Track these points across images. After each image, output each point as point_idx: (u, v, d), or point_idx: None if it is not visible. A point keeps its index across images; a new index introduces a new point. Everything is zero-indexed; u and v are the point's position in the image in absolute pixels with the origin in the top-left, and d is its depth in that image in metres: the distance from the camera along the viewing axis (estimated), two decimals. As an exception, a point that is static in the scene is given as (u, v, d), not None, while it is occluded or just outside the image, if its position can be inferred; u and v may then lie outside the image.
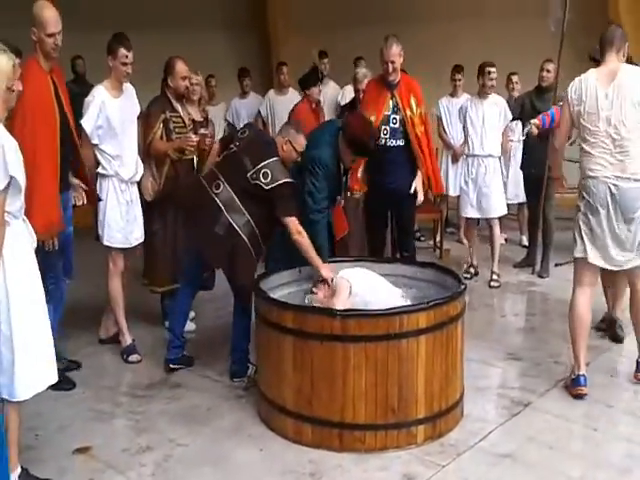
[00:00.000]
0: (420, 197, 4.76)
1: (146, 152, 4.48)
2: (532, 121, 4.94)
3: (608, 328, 4.51)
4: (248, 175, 3.70)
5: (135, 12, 8.73)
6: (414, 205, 4.83)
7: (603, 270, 3.83)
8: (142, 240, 4.44)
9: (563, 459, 3.09)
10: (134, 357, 4.28)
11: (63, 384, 3.59)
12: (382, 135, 4.62)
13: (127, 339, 4.37)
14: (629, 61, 6.03)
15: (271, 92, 7.35)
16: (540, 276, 5.80)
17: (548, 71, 5.84)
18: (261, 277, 3.70)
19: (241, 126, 4.89)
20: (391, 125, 4.65)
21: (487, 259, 6.04)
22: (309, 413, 3.19)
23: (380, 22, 9.09)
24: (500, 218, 5.83)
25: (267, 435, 3.31)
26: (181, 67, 4.52)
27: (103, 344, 4.53)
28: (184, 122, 4.58)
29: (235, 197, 3.73)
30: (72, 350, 4.43)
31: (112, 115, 4.09)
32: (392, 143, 4.64)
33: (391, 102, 4.66)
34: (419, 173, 4.73)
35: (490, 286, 5.63)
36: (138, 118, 4.43)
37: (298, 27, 10.12)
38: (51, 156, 3.55)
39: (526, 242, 6.57)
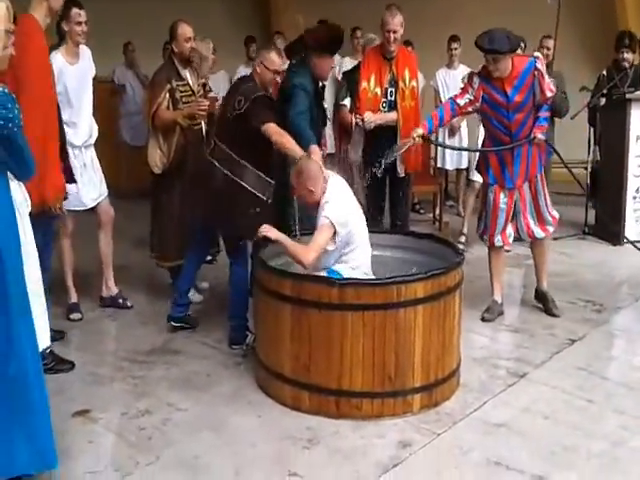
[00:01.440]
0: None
1: (152, 123, 4.43)
2: (415, 135, 4.10)
3: (542, 303, 4.50)
4: (229, 115, 3.75)
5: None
6: (409, 177, 4.86)
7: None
8: (102, 199, 4.42)
9: (558, 429, 3.12)
10: (75, 315, 4.35)
11: (60, 365, 3.63)
12: (381, 108, 4.64)
13: (72, 297, 4.43)
14: (630, 36, 6.02)
15: (241, 66, 7.29)
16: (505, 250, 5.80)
17: (548, 48, 5.78)
18: (259, 245, 3.70)
19: None
20: (389, 98, 4.65)
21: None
22: (307, 380, 3.22)
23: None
24: None
25: (265, 402, 3.35)
26: (185, 29, 4.45)
27: (104, 306, 4.57)
28: (192, 89, 4.51)
29: (228, 150, 3.76)
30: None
31: (69, 83, 4.06)
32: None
33: (389, 75, 4.64)
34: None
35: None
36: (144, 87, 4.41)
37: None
38: (54, 124, 3.56)
39: None
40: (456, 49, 6.71)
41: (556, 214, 4.36)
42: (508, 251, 5.47)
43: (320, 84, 4.35)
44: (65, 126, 4.01)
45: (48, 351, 3.42)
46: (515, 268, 5.56)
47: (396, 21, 4.50)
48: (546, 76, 4.03)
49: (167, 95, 4.40)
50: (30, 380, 2.52)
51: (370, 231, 3.95)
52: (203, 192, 3.88)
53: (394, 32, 4.50)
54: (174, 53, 4.50)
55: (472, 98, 4.08)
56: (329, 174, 3.56)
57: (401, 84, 4.62)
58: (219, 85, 7.28)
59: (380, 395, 3.19)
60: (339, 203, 3.44)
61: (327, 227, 3.39)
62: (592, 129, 6.27)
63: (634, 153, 6.00)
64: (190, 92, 4.51)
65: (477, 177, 5.44)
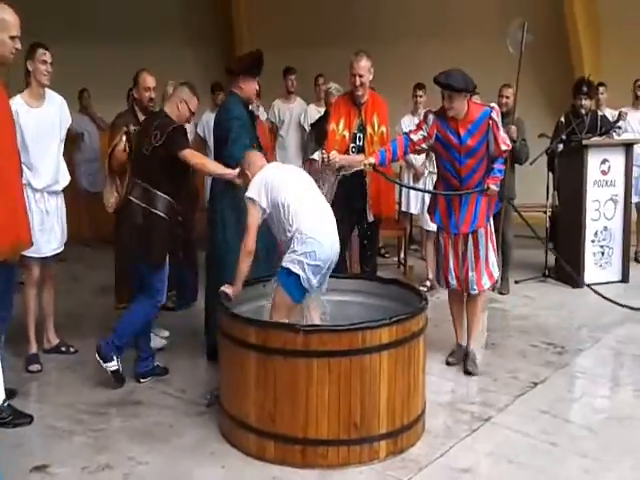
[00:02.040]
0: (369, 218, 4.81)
1: (108, 163, 4.46)
2: (367, 161, 4.16)
3: (464, 361, 4.31)
4: (145, 151, 3.96)
5: (102, 26, 8.73)
6: (378, 223, 4.93)
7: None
8: (59, 251, 4.39)
9: (522, 474, 3.13)
10: (34, 367, 4.25)
11: (18, 419, 3.53)
12: (351, 152, 4.69)
13: (32, 348, 4.34)
14: (588, 83, 6.27)
15: (207, 112, 7.33)
16: (500, 293, 5.91)
17: (507, 97, 5.98)
18: (222, 296, 3.67)
19: None
20: (357, 143, 4.71)
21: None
22: (272, 429, 3.19)
23: (345, 41, 9.24)
24: None
25: (229, 452, 3.29)
26: (145, 78, 4.55)
27: (48, 354, 4.49)
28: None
29: (146, 185, 3.96)
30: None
31: (25, 125, 4.05)
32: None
33: (358, 120, 4.70)
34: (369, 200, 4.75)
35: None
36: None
37: (264, 43, 10.19)
38: (15, 169, 3.44)
39: None
40: (421, 96, 6.91)
41: (495, 272, 4.32)
42: (502, 293, 5.57)
43: (250, 107, 4.57)
44: (25, 168, 3.99)
45: (6, 404, 3.33)
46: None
47: (361, 65, 4.57)
48: (501, 129, 4.10)
49: (124, 138, 4.42)
50: None
51: (334, 276, 3.99)
52: (127, 231, 4.05)
53: (360, 76, 4.56)
54: (135, 100, 4.61)
55: (426, 135, 4.13)
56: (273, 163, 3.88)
57: (369, 129, 4.68)
58: (189, 130, 7.33)
59: (346, 443, 3.17)
60: (256, 178, 3.58)
61: (250, 205, 3.52)
62: (551, 174, 6.47)
63: (591, 198, 6.18)
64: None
65: (431, 227, 5.52)
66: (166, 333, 4.85)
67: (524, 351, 4.58)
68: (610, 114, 6.81)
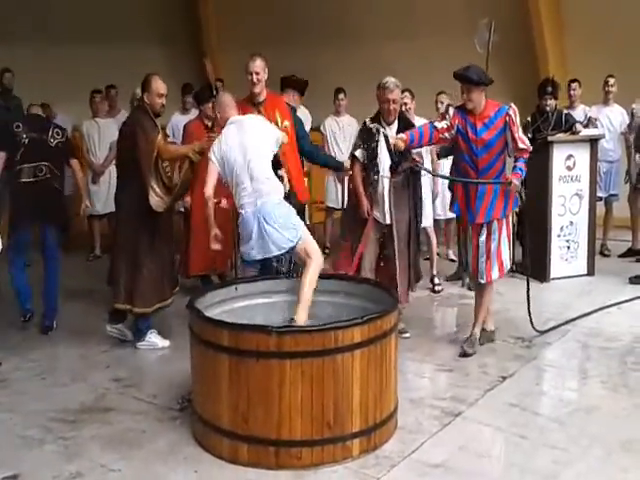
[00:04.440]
0: None
1: (147, 168, 4.43)
2: (399, 135, 4.39)
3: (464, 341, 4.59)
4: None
5: (74, 26, 8.60)
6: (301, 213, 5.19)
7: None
8: None
9: (493, 467, 3.19)
10: None
11: None
12: None
13: None
14: (553, 84, 6.38)
15: (176, 113, 7.33)
16: (470, 289, 5.97)
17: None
18: (196, 296, 3.67)
19: None
20: None
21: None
22: (245, 432, 3.18)
23: (313, 40, 9.28)
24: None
25: (202, 456, 3.28)
26: (158, 85, 4.56)
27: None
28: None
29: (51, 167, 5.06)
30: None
31: None
32: None
33: None
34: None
35: (435, 291, 5.93)
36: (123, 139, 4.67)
37: (233, 42, 10.16)
38: None
39: (453, 256, 6.78)
40: (342, 100, 7.17)
41: (506, 266, 4.53)
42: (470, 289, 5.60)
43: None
44: None
45: None
46: (449, 308, 5.70)
47: (257, 64, 4.83)
48: (519, 128, 4.30)
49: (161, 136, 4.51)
50: None
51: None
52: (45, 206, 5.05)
53: (256, 74, 4.82)
54: (145, 103, 4.57)
55: (448, 124, 4.36)
56: (235, 119, 4.15)
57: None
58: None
59: (320, 442, 3.18)
60: (219, 140, 4.06)
61: (210, 162, 4.03)
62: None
63: (557, 193, 6.28)
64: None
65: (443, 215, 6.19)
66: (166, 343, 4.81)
67: (494, 346, 4.64)
68: (583, 111, 6.93)
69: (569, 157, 6.31)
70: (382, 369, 3.35)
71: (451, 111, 4.38)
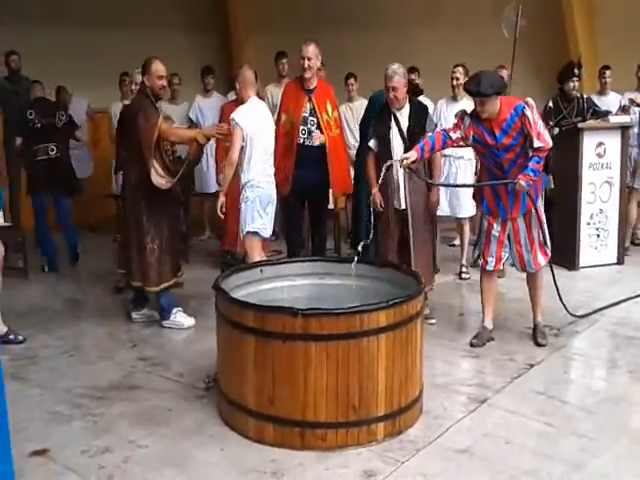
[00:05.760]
0: (331, 198, 5.37)
1: (149, 150, 4.47)
2: (407, 155, 4.19)
3: (533, 333, 4.52)
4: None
5: (97, 11, 8.63)
6: (327, 198, 5.47)
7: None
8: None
9: (518, 454, 3.16)
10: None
11: None
12: (300, 135, 5.12)
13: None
14: (579, 65, 6.26)
15: (198, 96, 7.42)
16: (497, 276, 5.92)
17: (501, 77, 5.96)
18: (222, 277, 3.69)
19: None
20: (309, 126, 5.13)
21: (447, 258, 6.21)
22: (270, 412, 3.20)
23: (342, 27, 9.20)
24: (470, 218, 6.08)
25: (228, 435, 3.31)
26: (157, 67, 4.56)
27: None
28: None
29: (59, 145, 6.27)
30: (28, 352, 4.36)
31: None
32: (310, 143, 5.16)
33: (308, 105, 5.10)
34: (332, 178, 5.22)
35: (461, 278, 5.92)
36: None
37: (259, 27, 10.13)
38: None
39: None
40: (352, 85, 7.13)
41: (549, 249, 4.45)
42: (499, 276, 5.49)
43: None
44: None
45: None
46: (475, 294, 5.65)
47: (310, 49, 4.94)
48: (537, 124, 4.05)
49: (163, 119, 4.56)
50: None
51: (331, 260, 3.99)
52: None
53: (308, 59, 4.94)
54: (146, 87, 4.58)
55: (462, 136, 4.23)
56: (255, 99, 4.72)
57: (325, 116, 5.12)
58: (181, 116, 7.31)
59: (344, 425, 3.19)
60: (245, 110, 4.62)
61: (237, 129, 4.52)
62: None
63: (587, 180, 6.19)
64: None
65: (465, 214, 5.98)
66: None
67: (520, 333, 4.60)
68: (616, 97, 6.80)
69: (599, 144, 6.20)
70: (407, 353, 3.34)
71: (467, 122, 4.20)
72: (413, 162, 4.16)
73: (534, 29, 6.31)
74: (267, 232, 4.78)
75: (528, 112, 4.06)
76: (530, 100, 4.17)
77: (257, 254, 4.70)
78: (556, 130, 6.26)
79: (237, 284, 3.72)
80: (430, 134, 4.38)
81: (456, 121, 4.31)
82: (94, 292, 5.45)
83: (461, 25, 8.52)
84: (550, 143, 4.14)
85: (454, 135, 4.25)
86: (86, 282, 5.87)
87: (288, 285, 3.96)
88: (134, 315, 4.87)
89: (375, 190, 4.56)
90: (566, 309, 4.68)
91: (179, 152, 5.57)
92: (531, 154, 4.14)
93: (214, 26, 10.54)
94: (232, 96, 6.78)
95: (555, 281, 4.54)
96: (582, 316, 4.81)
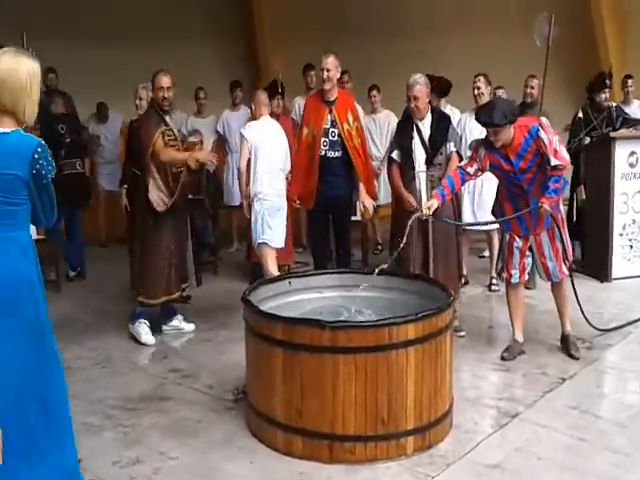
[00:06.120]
0: (369, 207, 5.24)
1: (150, 162, 4.54)
2: (429, 203, 4.16)
3: (562, 345, 4.49)
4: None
5: (123, 26, 8.79)
6: (351, 208, 5.45)
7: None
8: None
9: (551, 469, 3.11)
10: None
11: None
12: (322, 147, 5.10)
13: None
14: (610, 75, 6.20)
15: (226, 110, 7.50)
16: (527, 287, 5.82)
17: (532, 87, 5.93)
18: (250, 289, 3.71)
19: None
20: (330, 138, 5.10)
21: (477, 270, 6.15)
22: (299, 425, 3.20)
23: (368, 36, 9.24)
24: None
25: (257, 447, 3.32)
26: (159, 78, 4.62)
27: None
28: (175, 135, 4.69)
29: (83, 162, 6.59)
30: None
31: None
32: (331, 154, 5.11)
33: (329, 117, 5.09)
34: (362, 187, 5.18)
35: (491, 290, 5.86)
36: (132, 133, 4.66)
37: (285, 38, 10.20)
38: None
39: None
40: (375, 97, 7.14)
41: (570, 254, 4.41)
42: (529, 288, 5.39)
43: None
44: None
45: None
46: (505, 306, 5.59)
47: (329, 61, 4.97)
48: (552, 142, 3.99)
49: (160, 135, 4.55)
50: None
51: (360, 272, 3.99)
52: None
53: (327, 70, 4.96)
54: (153, 100, 4.69)
55: (479, 167, 4.22)
56: (267, 118, 5.08)
57: (346, 126, 5.08)
58: (209, 130, 7.40)
59: (373, 439, 3.17)
60: (254, 125, 4.98)
61: (243, 140, 4.92)
62: (573, 168, 6.38)
63: (619, 191, 6.09)
64: (174, 137, 4.68)
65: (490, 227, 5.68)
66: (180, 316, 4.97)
67: (552, 346, 4.54)
68: (639, 106, 6.71)
69: (632, 154, 6.10)
70: (437, 366, 3.31)
71: (482, 152, 4.16)
72: (436, 209, 4.13)
73: (564, 39, 6.26)
74: (277, 242, 4.95)
75: (542, 134, 4.01)
76: (544, 120, 4.14)
77: (271, 263, 4.88)
78: (587, 140, 6.19)
79: (265, 296, 3.74)
80: (448, 176, 4.37)
81: (470, 154, 4.30)
82: (124, 304, 5.51)
83: (490, 35, 8.50)
84: (568, 160, 4.11)
85: (471, 169, 4.23)
86: (115, 294, 5.94)
87: (316, 297, 3.97)
88: (164, 327, 4.93)
89: (403, 190, 4.63)
90: (587, 320, 4.59)
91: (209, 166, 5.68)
92: (549, 173, 4.08)
93: (241, 39, 10.66)
94: (243, 110, 6.88)
95: (576, 292, 4.46)
96: (606, 330, 4.70)
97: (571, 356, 4.34)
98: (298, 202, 5.31)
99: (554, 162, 4.01)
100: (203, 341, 4.80)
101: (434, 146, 4.63)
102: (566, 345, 4.43)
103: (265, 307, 3.53)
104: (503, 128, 3.98)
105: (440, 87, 5.61)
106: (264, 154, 4.88)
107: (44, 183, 2.57)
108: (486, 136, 4.17)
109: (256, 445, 3.33)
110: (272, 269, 4.85)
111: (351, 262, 5.48)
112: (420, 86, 4.60)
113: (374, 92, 7.17)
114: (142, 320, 4.79)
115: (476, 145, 4.27)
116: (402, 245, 4.19)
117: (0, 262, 2.52)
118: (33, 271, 2.61)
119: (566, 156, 4.08)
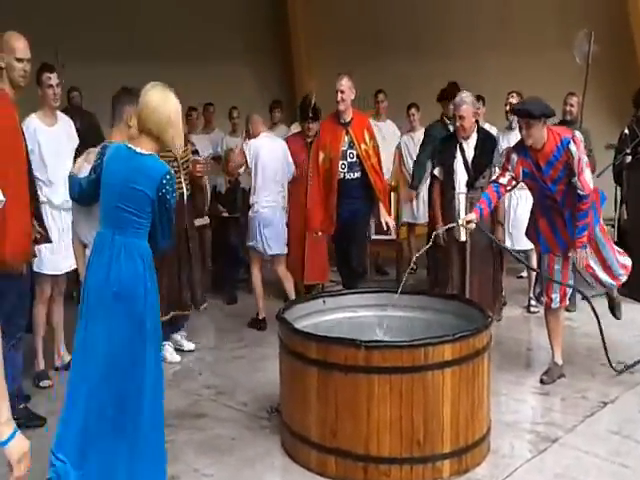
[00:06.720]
0: (391, 224, 5.28)
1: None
2: (468, 217, 4.08)
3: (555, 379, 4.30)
4: None
5: (158, 46, 8.93)
6: (366, 226, 5.48)
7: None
8: (75, 267, 4.24)
9: (592, 497, 3.02)
10: (45, 383, 4.30)
11: (33, 421, 3.59)
12: (340, 169, 5.11)
13: (40, 364, 4.39)
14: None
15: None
16: (567, 310, 5.71)
17: (572, 105, 5.86)
18: (285, 307, 3.71)
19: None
20: (348, 159, 5.12)
21: (515, 290, 6.08)
22: (333, 445, 3.17)
23: (404, 54, 9.25)
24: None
25: (291, 467, 3.30)
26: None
27: (58, 371, 4.46)
28: (175, 156, 4.37)
29: None
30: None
31: (44, 142, 4.19)
32: (350, 176, 5.15)
33: (346, 138, 5.11)
34: (381, 207, 5.21)
35: (530, 311, 5.77)
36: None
37: (321, 58, 10.28)
38: (22, 186, 3.52)
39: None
40: (414, 115, 7.06)
41: (627, 262, 4.28)
42: (569, 310, 5.27)
43: None
44: (43, 185, 4.19)
45: (22, 406, 3.52)
46: (543, 328, 5.48)
47: (343, 82, 5.01)
48: (581, 161, 3.91)
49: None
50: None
51: (395, 292, 3.96)
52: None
53: (342, 92, 4.99)
54: None
55: (513, 175, 4.12)
56: (268, 135, 5.52)
57: (363, 146, 5.11)
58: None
59: (409, 461, 3.12)
60: (253, 142, 5.35)
61: (240, 149, 5.41)
62: (618, 187, 6.26)
63: (662, 211, 5.95)
64: (173, 158, 4.39)
65: (522, 246, 5.45)
66: (183, 333, 4.98)
67: (593, 370, 4.42)
68: None
69: (677, 171, 5.96)
70: (474, 389, 3.25)
71: (514, 159, 4.08)
72: (469, 222, 4.06)
73: (603, 56, 6.18)
74: (262, 249, 5.33)
75: (573, 147, 3.93)
76: (577, 134, 4.06)
77: (255, 267, 5.45)
78: (629, 158, 6.07)
79: (300, 315, 3.74)
80: (483, 192, 4.32)
81: (502, 162, 4.23)
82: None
83: (528, 52, 8.42)
84: (591, 188, 3.98)
85: (504, 180, 4.15)
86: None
87: (350, 316, 3.95)
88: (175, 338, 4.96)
89: (436, 211, 4.63)
90: (606, 354, 4.32)
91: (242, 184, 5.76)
92: (577, 206, 3.98)
93: (277, 59, 10.77)
94: (295, 128, 6.87)
95: (599, 322, 4.27)
96: (621, 371, 4.38)
97: (541, 381, 4.23)
98: (320, 232, 5.37)
99: (577, 184, 3.93)
100: (238, 358, 4.81)
101: (477, 168, 4.58)
102: (551, 375, 4.27)
103: (300, 326, 3.53)
104: (536, 122, 3.90)
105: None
106: (262, 170, 5.28)
107: (166, 207, 2.84)
108: (518, 141, 4.11)
109: (290, 464, 3.32)
110: (255, 271, 5.44)
111: (360, 281, 5.34)
112: (467, 105, 4.58)
113: (413, 110, 7.07)
114: (163, 342, 4.78)
115: (507, 152, 4.20)
116: (412, 265, 4.26)
117: (126, 262, 2.78)
118: (148, 278, 2.83)
119: (589, 181, 3.97)
